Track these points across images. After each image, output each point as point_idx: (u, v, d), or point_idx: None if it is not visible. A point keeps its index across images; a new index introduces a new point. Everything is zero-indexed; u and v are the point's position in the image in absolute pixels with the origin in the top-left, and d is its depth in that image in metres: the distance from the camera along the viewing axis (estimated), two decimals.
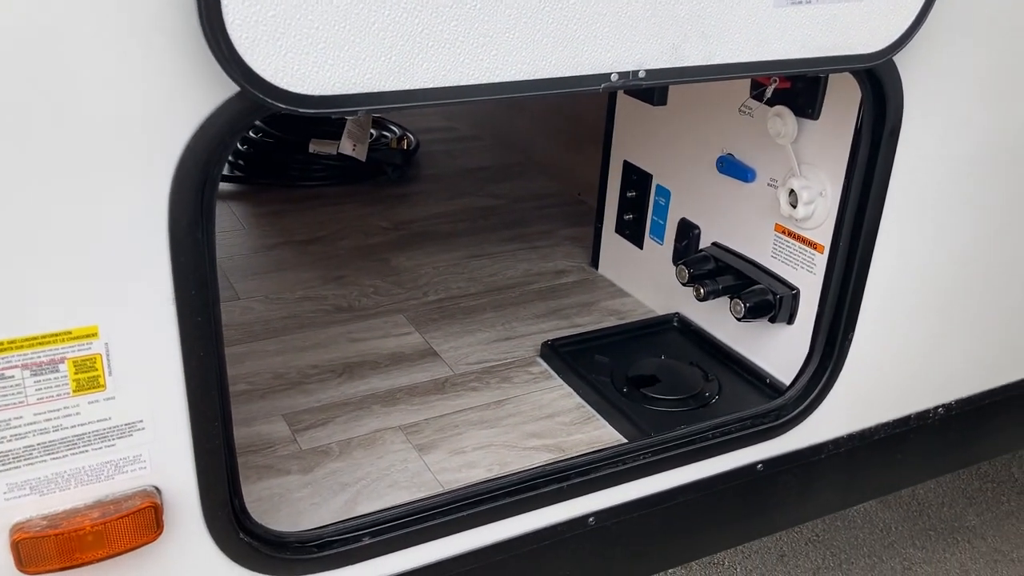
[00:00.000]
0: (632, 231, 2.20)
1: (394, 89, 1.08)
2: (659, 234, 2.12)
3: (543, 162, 3.03)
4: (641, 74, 1.23)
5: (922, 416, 1.88)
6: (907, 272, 1.70)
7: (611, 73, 1.21)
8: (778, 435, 1.70)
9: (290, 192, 2.74)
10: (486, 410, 1.79)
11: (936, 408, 1.89)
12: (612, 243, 2.28)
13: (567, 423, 1.77)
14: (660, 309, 2.14)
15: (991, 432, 2.04)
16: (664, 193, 2.09)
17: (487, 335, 2.05)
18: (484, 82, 1.13)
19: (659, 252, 2.12)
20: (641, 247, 2.18)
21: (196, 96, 1.02)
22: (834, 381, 1.70)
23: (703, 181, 1.97)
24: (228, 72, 0.99)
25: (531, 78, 1.16)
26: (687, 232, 2.02)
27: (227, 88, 1.02)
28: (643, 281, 2.20)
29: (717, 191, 1.94)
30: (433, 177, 2.94)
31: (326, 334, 2.02)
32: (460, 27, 1.09)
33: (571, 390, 1.86)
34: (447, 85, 1.11)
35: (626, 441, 1.71)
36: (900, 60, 1.45)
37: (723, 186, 1.92)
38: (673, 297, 2.09)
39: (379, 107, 1.08)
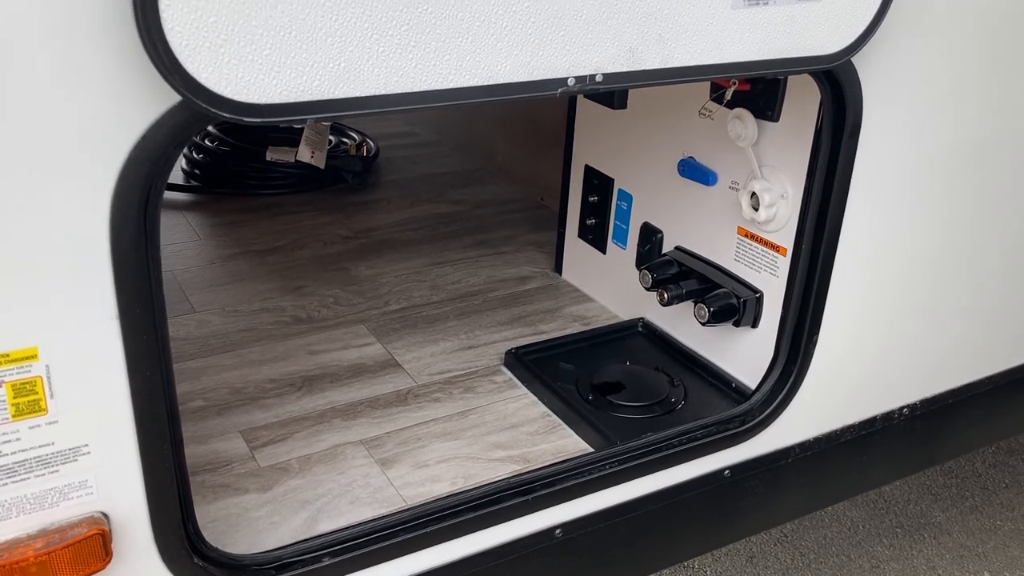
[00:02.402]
0: (595, 236, 2.18)
1: (345, 96, 1.05)
2: (622, 239, 2.10)
3: (505, 167, 3.00)
4: (598, 78, 1.21)
5: (888, 417, 1.87)
6: (870, 273, 1.69)
7: (568, 78, 1.18)
8: (745, 440, 1.68)
9: (247, 201, 2.68)
10: (450, 421, 1.76)
11: (901, 409, 1.89)
12: (575, 248, 2.26)
13: (532, 433, 1.74)
14: (625, 314, 2.12)
15: (955, 431, 2.04)
16: (626, 197, 2.07)
17: (450, 344, 2.02)
18: (438, 88, 1.10)
19: (622, 257, 2.11)
20: (604, 252, 2.16)
21: (136, 106, 0.98)
22: (799, 384, 1.69)
23: (665, 185, 1.95)
24: (169, 81, 0.95)
25: (486, 83, 1.13)
26: (650, 236, 2.00)
27: (168, 98, 0.98)
28: (607, 286, 2.18)
29: (679, 195, 1.92)
30: (393, 184, 2.91)
31: (285, 346, 1.98)
32: (412, 32, 1.06)
33: (536, 399, 1.84)
34: (400, 91, 1.08)
35: (592, 450, 1.69)
36: (859, 61, 1.44)
37: (685, 189, 1.90)
38: (637, 302, 2.07)
39: (329, 115, 1.05)
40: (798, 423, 1.74)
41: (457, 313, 2.14)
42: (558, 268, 2.33)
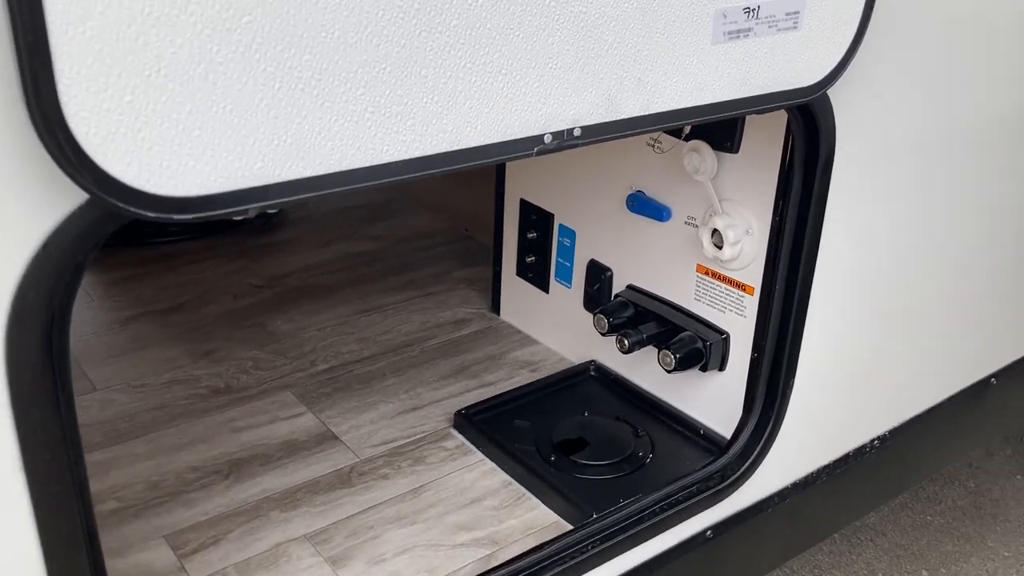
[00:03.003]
0: (535, 274, 2.03)
1: (295, 178, 0.86)
2: (566, 277, 1.96)
3: (421, 196, 2.82)
4: (576, 132, 1.06)
5: (860, 452, 1.79)
6: (845, 309, 1.60)
7: (544, 134, 1.03)
8: (725, 497, 1.56)
9: (143, 252, 2.42)
10: (403, 502, 1.58)
11: (872, 441, 1.81)
12: (514, 287, 2.11)
13: (496, 507, 1.58)
14: (573, 356, 1.98)
15: (922, 455, 1.98)
16: (568, 233, 1.93)
17: (390, 407, 1.83)
18: (401, 159, 0.93)
19: (567, 295, 1.96)
20: (547, 291, 2.02)
21: (33, 210, 0.77)
22: (777, 431, 1.59)
23: (612, 220, 1.82)
24: (74, 177, 0.75)
25: (455, 149, 0.96)
26: (598, 275, 1.87)
27: (73, 197, 0.78)
28: (552, 327, 2.03)
29: (628, 231, 1.79)
30: (303, 220, 2.69)
31: (204, 425, 1.76)
32: (371, 95, 0.88)
33: (494, 465, 1.68)
34: (358, 167, 0.90)
35: (563, 521, 1.54)
36: (832, 92, 1.33)
37: (635, 225, 1.77)
38: (586, 343, 1.93)
39: (276, 202, 0.86)
40: (777, 471, 1.64)
41: (393, 368, 1.96)
42: (495, 308, 2.17)
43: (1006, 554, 3.02)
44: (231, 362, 1.96)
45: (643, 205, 1.74)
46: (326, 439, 1.73)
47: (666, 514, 1.49)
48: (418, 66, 0.90)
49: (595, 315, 1.78)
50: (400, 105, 0.90)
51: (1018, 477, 3.34)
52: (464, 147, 0.97)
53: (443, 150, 0.95)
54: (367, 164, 0.90)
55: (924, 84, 1.52)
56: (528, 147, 1.02)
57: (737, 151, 1.56)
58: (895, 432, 1.85)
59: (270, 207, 0.86)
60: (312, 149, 0.86)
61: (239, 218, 0.85)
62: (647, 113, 1.10)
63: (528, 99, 1.00)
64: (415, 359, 2.00)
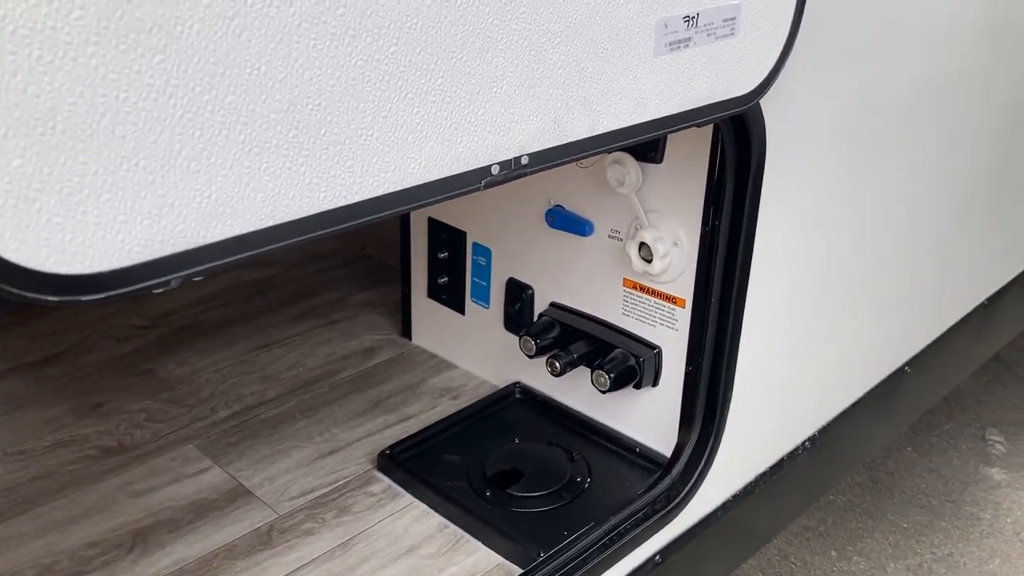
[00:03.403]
0: (449, 295, 1.93)
1: (221, 239, 0.73)
2: (483, 297, 1.87)
3: None
4: (524, 160, 0.96)
5: (792, 455, 1.78)
6: (777, 316, 1.57)
7: (491, 165, 0.93)
8: (672, 519, 1.51)
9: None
10: (332, 559, 1.45)
11: (803, 443, 1.80)
12: (426, 309, 2.00)
13: (434, 555, 1.47)
14: (495, 378, 1.89)
15: (847, 450, 1.99)
16: (484, 252, 1.84)
17: (305, 452, 1.69)
18: (340, 205, 0.81)
19: (485, 316, 1.87)
20: (463, 312, 1.92)
21: None
22: (718, 446, 1.54)
23: (530, 236, 1.74)
24: None
25: (398, 189, 0.85)
26: (518, 294, 1.78)
27: None
28: (470, 349, 1.93)
29: (548, 247, 1.71)
30: None
31: (98, 492, 1.57)
32: (302, 139, 0.76)
33: (426, 507, 1.57)
34: (292, 219, 0.78)
35: (506, 562, 1.45)
36: (764, 100, 1.29)
37: (555, 241, 1.69)
38: (508, 364, 1.84)
39: (201, 268, 0.73)
40: (719, 486, 1.59)
41: (303, 409, 1.82)
42: (406, 333, 2.05)
43: (905, 525, 3.13)
44: (122, 416, 1.77)
45: (563, 220, 1.66)
46: (239, 495, 1.58)
47: (615, 546, 1.42)
48: (355, 100, 0.79)
49: (521, 337, 1.69)
50: (336, 146, 0.79)
51: (908, 449, 3.47)
52: (408, 186, 0.86)
53: (386, 191, 0.84)
54: (303, 215, 0.78)
55: (852, 83, 1.50)
56: (475, 180, 0.92)
57: (661, 161, 1.50)
58: (823, 431, 1.84)
59: (195, 275, 0.73)
60: (241, 203, 0.74)
61: (159, 291, 0.71)
62: (594, 134, 1.02)
63: (475, 127, 0.90)
64: (325, 396, 1.86)
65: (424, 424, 1.75)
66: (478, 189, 0.93)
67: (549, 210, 1.67)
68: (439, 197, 0.89)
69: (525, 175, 0.97)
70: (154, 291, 0.71)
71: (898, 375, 2.03)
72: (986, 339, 2.49)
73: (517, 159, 0.95)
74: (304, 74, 0.74)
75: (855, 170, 1.64)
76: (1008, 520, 3.15)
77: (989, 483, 3.32)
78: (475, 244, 1.85)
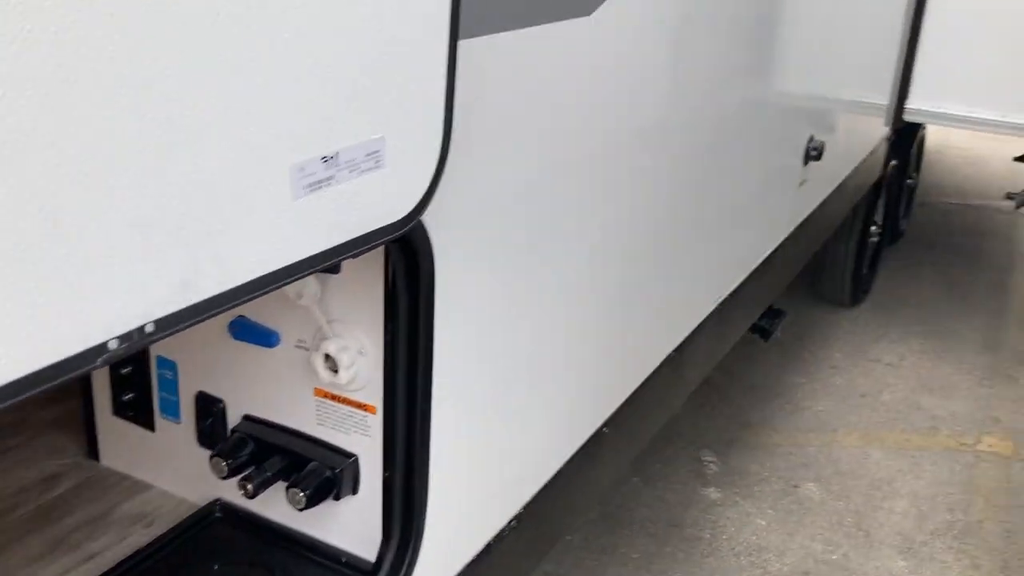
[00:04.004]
0: (137, 411, 1.80)
1: None
2: (173, 412, 1.76)
3: None
4: (149, 328, 0.91)
5: (499, 537, 1.82)
6: (466, 412, 1.60)
7: (108, 341, 0.87)
8: None
9: None
10: None
11: (509, 523, 1.84)
12: (112, 428, 1.85)
13: None
14: (194, 496, 1.79)
15: (554, 521, 2.07)
16: (169, 365, 1.73)
17: None
18: None
19: (178, 431, 1.77)
20: (153, 429, 1.80)
21: None
22: (419, 547, 1.54)
23: (216, 348, 1.66)
24: None
25: None
26: (209, 408, 1.70)
27: None
28: (164, 467, 1.82)
29: (236, 358, 1.65)
30: None
31: None
32: None
33: None
34: None
35: None
36: (426, 217, 1.31)
37: (243, 352, 1.63)
38: (207, 480, 1.74)
39: None
40: None
41: None
42: (93, 454, 1.90)
43: (635, 556, 3.31)
44: None
45: (247, 331, 1.60)
46: None
47: None
48: None
49: (211, 459, 1.61)
50: None
51: (635, 479, 3.68)
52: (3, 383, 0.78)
53: None
54: None
55: (520, 175, 1.57)
56: (90, 360, 0.86)
57: (339, 271, 1.48)
58: (528, 507, 1.90)
59: None
60: None
61: None
62: (230, 288, 0.99)
63: (84, 303, 0.83)
64: None
65: (113, 562, 1.61)
66: (95, 367, 0.86)
67: (232, 321, 1.61)
68: (42, 388, 0.81)
69: (153, 342, 0.92)
70: None
71: (597, 437, 2.14)
72: (677, 386, 2.69)
73: (140, 328, 0.90)
74: None
75: (533, 255, 1.72)
76: (724, 537, 3.42)
77: (706, 503, 3.60)
78: (159, 357, 1.74)
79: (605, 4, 1.68)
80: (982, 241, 6.16)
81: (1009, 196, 4.94)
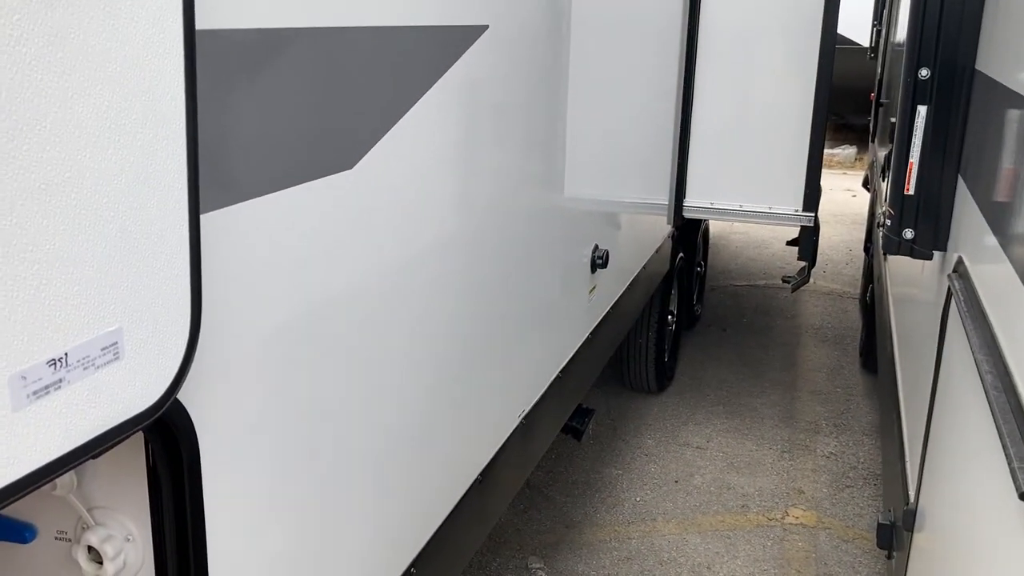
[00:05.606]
0: None
1: None
2: None
3: None
4: None
5: None
6: None
7: None
8: None
9: None
10: None
11: None
12: None
13: None
14: None
15: None
16: None
17: None
18: None
19: None
20: None
21: None
22: None
23: None
24: None
25: None
26: None
27: None
28: None
29: None
30: None
31: None
32: None
33: None
34: None
35: None
36: (183, 394, 1.26)
37: None
38: None
39: None
40: None
41: None
42: None
43: None
44: None
45: None
46: None
47: None
48: None
49: None
50: None
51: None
52: None
53: None
54: None
55: (287, 338, 1.53)
56: None
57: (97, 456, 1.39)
58: None
59: None
60: None
61: None
62: None
63: None
64: None
65: None
66: None
67: None
68: None
69: None
70: None
71: None
72: (485, 510, 2.66)
73: None
74: None
75: (314, 410, 1.67)
76: None
77: None
78: None
79: (368, 156, 1.71)
80: (770, 319, 6.61)
81: (785, 280, 5.32)
